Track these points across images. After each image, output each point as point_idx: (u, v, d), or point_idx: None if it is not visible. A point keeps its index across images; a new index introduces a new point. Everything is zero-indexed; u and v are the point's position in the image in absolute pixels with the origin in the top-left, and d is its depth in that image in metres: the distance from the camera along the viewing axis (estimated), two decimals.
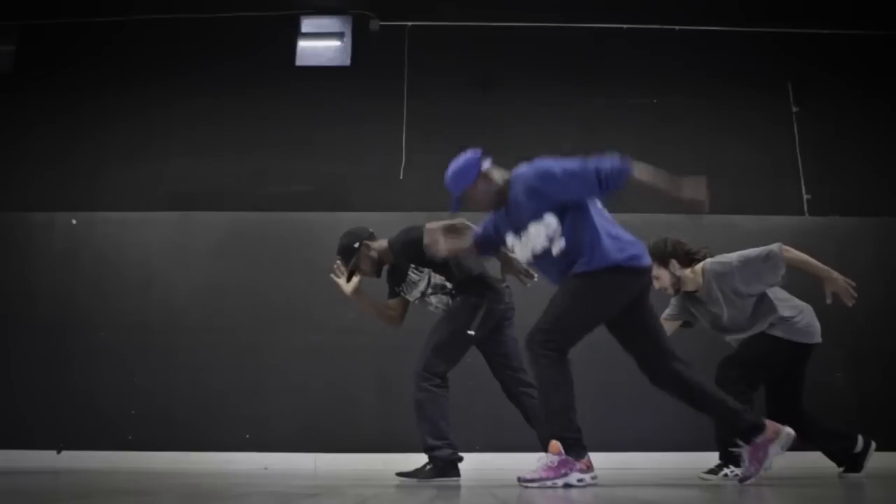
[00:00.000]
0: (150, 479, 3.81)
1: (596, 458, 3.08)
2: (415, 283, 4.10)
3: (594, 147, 7.28)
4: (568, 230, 3.11)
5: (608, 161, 3.19)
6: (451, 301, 4.07)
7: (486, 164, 3.31)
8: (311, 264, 6.22)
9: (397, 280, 4.20)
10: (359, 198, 6.62)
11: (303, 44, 7.20)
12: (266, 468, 5.53)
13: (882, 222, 6.46)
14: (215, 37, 7.08)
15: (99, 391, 5.88)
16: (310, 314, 5.96)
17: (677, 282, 4.03)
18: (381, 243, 4.17)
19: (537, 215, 3.14)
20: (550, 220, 3.12)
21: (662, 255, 3.99)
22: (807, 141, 6.90)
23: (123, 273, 6.22)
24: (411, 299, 4.20)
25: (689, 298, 4.11)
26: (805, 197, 6.75)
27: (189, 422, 5.80)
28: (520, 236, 3.22)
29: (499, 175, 3.31)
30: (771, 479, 3.49)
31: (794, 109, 6.98)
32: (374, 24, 7.07)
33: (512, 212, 3.24)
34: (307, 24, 7.26)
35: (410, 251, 3.97)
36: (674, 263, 4.01)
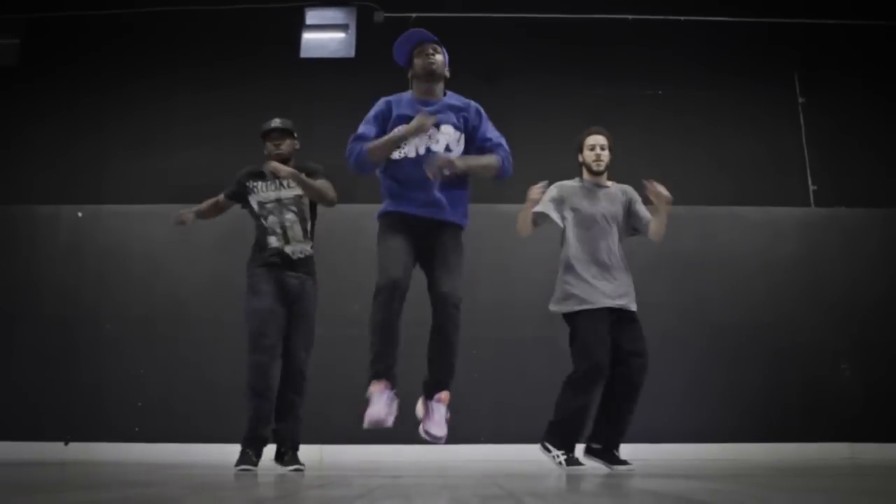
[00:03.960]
0: (157, 470, 3.82)
1: None
2: (289, 189, 4.10)
3: None
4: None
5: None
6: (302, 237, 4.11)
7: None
8: (315, 256, 6.23)
9: (262, 177, 4.16)
10: (363, 190, 6.61)
11: (307, 35, 7.19)
12: (273, 460, 5.54)
13: (888, 213, 6.44)
14: (220, 29, 7.07)
15: (105, 383, 5.90)
16: None
17: None
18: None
19: (458, 125, 3.41)
20: (461, 138, 3.41)
21: None
22: (813, 132, 6.87)
23: (129, 266, 6.24)
24: (261, 200, 4.15)
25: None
26: (811, 188, 6.72)
27: (195, 413, 5.82)
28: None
29: None
30: (777, 469, 3.49)
31: (801, 100, 6.95)
32: (379, 16, 7.05)
33: (444, 104, 3.43)
34: (312, 16, 7.25)
35: (311, 167, 4.13)
36: None
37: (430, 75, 3.43)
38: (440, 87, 3.49)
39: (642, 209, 4.15)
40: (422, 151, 3.33)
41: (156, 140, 6.83)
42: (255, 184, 4.16)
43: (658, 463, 4.82)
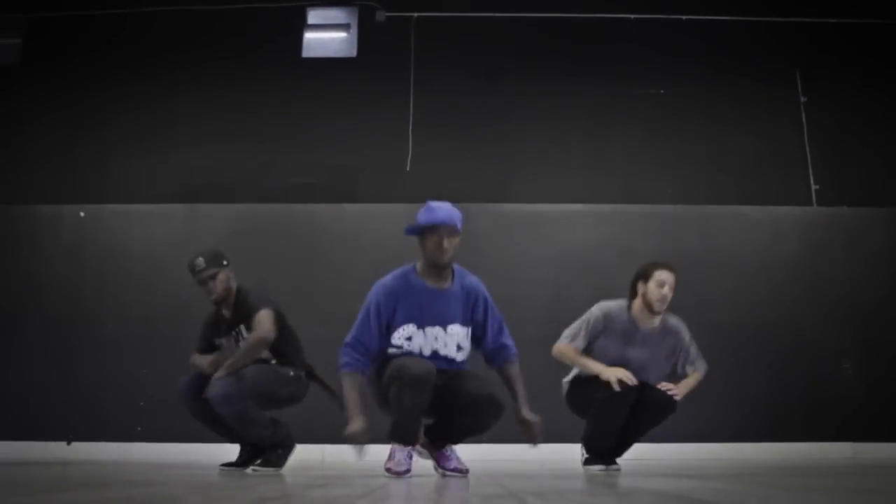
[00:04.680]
0: (159, 469, 3.83)
1: None
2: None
3: (601, 138, 7.32)
4: (466, 352, 3.37)
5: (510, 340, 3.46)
6: None
7: None
8: (317, 256, 6.24)
9: (220, 332, 4.00)
10: (365, 189, 6.61)
11: (309, 35, 7.18)
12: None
13: (890, 213, 6.43)
14: (222, 28, 7.07)
15: (107, 383, 5.91)
16: (316, 305, 5.96)
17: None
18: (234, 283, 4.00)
19: (466, 320, 3.32)
20: (468, 333, 3.34)
21: None
22: (815, 131, 6.85)
23: (130, 265, 6.24)
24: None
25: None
26: (813, 187, 6.71)
27: None
28: (432, 328, 3.25)
29: None
30: (779, 468, 3.48)
31: (803, 99, 6.94)
32: (381, 15, 7.04)
33: (451, 296, 3.29)
34: (313, 16, 7.24)
35: (252, 306, 3.85)
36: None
37: (437, 267, 3.25)
38: (448, 272, 3.32)
39: (685, 358, 3.95)
40: (427, 353, 3.23)
41: (157, 140, 6.83)
42: (220, 341, 4.03)
43: (660, 462, 4.82)
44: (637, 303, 3.85)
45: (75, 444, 5.81)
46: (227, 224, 6.33)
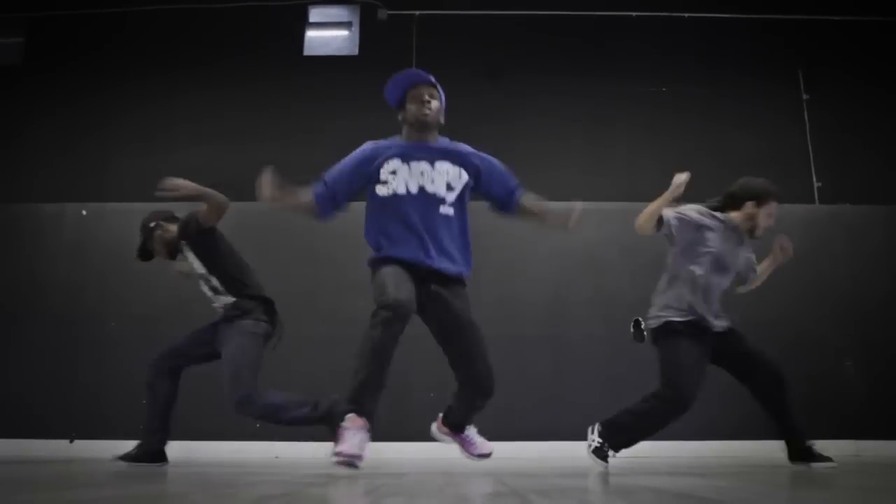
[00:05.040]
0: (162, 467, 3.84)
1: None
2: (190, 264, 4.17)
3: (602, 136, 7.32)
4: (461, 209, 3.16)
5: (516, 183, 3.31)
6: (230, 308, 4.09)
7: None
8: (318, 255, 6.24)
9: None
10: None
11: (311, 33, 7.19)
12: (277, 457, 5.56)
13: (892, 210, 6.42)
14: (223, 27, 7.08)
15: (109, 381, 5.92)
16: (317, 304, 5.97)
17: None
18: (174, 227, 4.26)
19: (459, 161, 3.18)
20: (463, 175, 3.17)
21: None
22: (817, 129, 6.85)
23: (133, 264, 6.19)
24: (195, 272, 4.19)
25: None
26: (815, 185, 6.71)
27: (199, 411, 5.81)
28: (418, 163, 3.11)
29: None
30: (781, 466, 3.48)
31: (805, 97, 6.93)
32: (382, 14, 7.05)
33: (440, 143, 3.22)
34: (315, 14, 7.25)
35: (189, 228, 4.11)
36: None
37: (423, 126, 3.16)
38: (434, 134, 3.23)
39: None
40: (413, 189, 3.07)
41: (159, 138, 6.84)
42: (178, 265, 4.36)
43: (661, 460, 4.82)
44: (738, 217, 3.79)
45: (78, 442, 5.82)
46: (228, 222, 6.29)
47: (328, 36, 7.22)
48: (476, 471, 3.40)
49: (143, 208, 6.46)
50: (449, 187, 3.12)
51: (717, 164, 6.77)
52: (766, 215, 3.77)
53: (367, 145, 3.26)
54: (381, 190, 3.11)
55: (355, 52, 7.15)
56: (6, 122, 6.92)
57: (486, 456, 3.40)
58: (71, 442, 5.82)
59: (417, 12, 7.04)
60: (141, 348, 5.99)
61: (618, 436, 3.76)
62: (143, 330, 6.01)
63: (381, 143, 3.26)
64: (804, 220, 6.44)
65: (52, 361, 5.97)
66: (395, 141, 3.26)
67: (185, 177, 6.81)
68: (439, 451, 5.31)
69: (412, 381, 5.43)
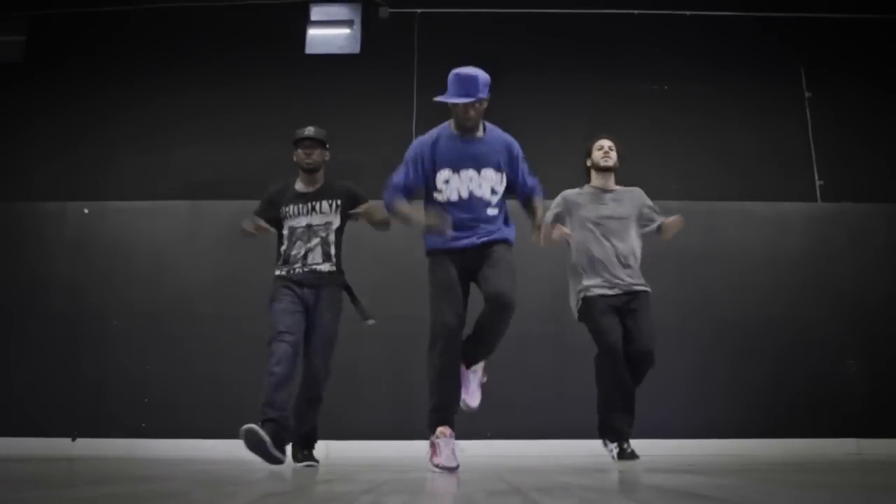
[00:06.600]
0: (164, 465, 3.84)
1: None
2: (320, 215, 4.11)
3: (605, 133, 7.24)
4: (502, 203, 3.59)
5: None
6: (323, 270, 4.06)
7: None
8: None
9: (292, 200, 4.16)
10: (368, 185, 6.60)
11: (313, 32, 7.19)
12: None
13: (894, 208, 6.41)
14: (225, 25, 7.07)
15: (112, 379, 5.93)
16: None
17: None
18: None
19: (499, 166, 3.50)
20: (504, 180, 3.53)
21: None
22: (819, 127, 6.84)
23: (134, 262, 6.25)
24: (292, 226, 4.12)
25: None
26: (818, 183, 6.70)
27: (202, 409, 5.83)
28: (466, 171, 3.45)
29: None
30: (783, 464, 3.48)
31: (807, 95, 6.93)
32: (384, 12, 7.04)
33: (484, 144, 3.50)
34: (317, 12, 7.25)
35: (354, 191, 4.19)
36: None
37: (466, 130, 3.49)
38: (478, 129, 3.54)
39: (649, 212, 4.25)
40: (465, 195, 3.45)
41: (161, 137, 6.84)
42: (286, 208, 4.15)
43: (663, 458, 4.82)
44: (592, 174, 4.25)
45: (80, 441, 5.83)
46: (230, 220, 6.31)
47: (330, 34, 7.22)
48: (478, 468, 3.40)
49: (144, 206, 6.52)
50: (493, 191, 3.49)
51: (719, 163, 6.78)
52: (596, 149, 4.23)
53: (418, 144, 3.58)
54: (438, 196, 3.49)
55: (357, 50, 7.15)
56: (8, 120, 6.92)
57: (472, 409, 3.49)
58: (73, 440, 5.83)
59: (419, 10, 7.04)
60: (143, 346, 6.02)
61: (604, 428, 3.93)
62: (144, 328, 6.02)
63: (427, 139, 3.55)
64: (806, 218, 6.43)
65: (53, 360, 5.97)
66: (445, 130, 3.56)
67: (185, 175, 6.84)
68: None
69: (413, 381, 5.42)
